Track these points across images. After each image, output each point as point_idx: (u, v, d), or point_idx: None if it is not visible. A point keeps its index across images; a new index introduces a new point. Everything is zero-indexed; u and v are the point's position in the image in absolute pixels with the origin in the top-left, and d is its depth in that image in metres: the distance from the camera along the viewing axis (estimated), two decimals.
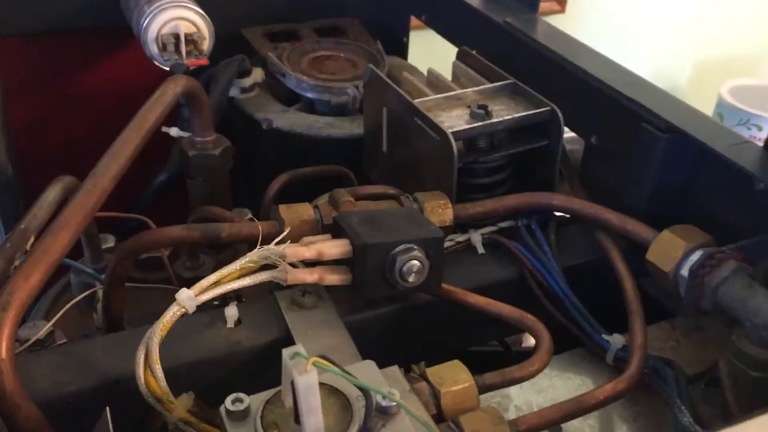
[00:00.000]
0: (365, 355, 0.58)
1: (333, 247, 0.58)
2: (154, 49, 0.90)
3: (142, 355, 0.53)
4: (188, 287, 0.75)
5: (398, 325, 0.65)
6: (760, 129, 1.92)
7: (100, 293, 0.71)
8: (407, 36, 1.18)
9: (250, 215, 0.90)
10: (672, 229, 0.62)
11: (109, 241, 0.84)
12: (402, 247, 0.58)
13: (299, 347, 0.42)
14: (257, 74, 1.01)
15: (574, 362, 0.64)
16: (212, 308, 0.62)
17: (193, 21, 0.91)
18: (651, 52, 2.12)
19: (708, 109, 1.99)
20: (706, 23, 2.12)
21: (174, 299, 0.77)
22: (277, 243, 0.58)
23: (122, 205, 0.83)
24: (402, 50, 1.18)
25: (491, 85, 0.80)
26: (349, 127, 0.95)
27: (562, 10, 1.88)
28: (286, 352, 0.42)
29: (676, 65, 2.18)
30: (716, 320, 0.59)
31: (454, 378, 0.52)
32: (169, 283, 0.78)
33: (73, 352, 0.58)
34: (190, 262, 0.76)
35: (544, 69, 0.84)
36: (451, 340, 0.70)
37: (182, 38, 0.90)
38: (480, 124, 0.73)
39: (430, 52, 1.21)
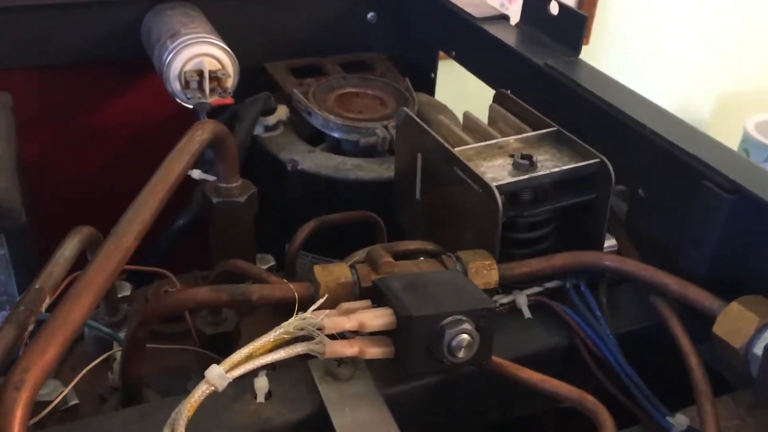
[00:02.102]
0: (403, 429, 0.54)
1: (375, 318, 0.53)
2: (176, 86, 0.86)
3: None
4: (210, 345, 0.72)
5: (439, 397, 0.60)
6: None
7: (118, 354, 0.67)
8: (435, 72, 1.13)
9: (273, 262, 0.86)
10: (741, 301, 0.57)
11: (126, 290, 0.79)
12: (450, 319, 0.53)
13: None
14: (281, 112, 0.97)
15: None
16: None
17: (218, 57, 0.87)
18: (675, 85, 2.08)
19: (733, 144, 1.94)
20: (731, 55, 2.08)
21: (192, 352, 0.73)
22: (314, 310, 0.54)
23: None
24: (429, 86, 1.13)
25: (534, 132, 0.76)
26: (378, 170, 0.91)
27: (586, 42, 1.85)
28: None
29: (701, 98, 2.14)
30: None
31: None
32: (189, 335, 0.74)
33: (90, 430, 0.53)
34: (212, 317, 0.71)
35: (587, 115, 0.80)
36: (495, 412, 0.65)
37: (206, 75, 0.86)
38: (526, 177, 0.69)
39: (453, 83, 1.17)
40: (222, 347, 0.71)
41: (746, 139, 1.93)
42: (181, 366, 0.73)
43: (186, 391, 0.65)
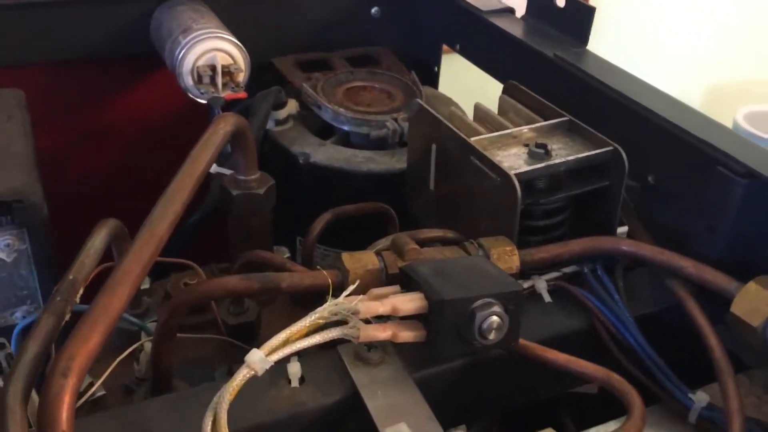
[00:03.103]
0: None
1: (407, 302, 0.55)
2: (189, 81, 0.87)
3: (210, 422, 0.49)
4: (232, 334, 0.73)
5: (467, 380, 0.61)
6: None
7: (145, 344, 0.68)
8: (439, 65, 1.15)
9: (288, 254, 0.87)
10: (758, 281, 0.59)
11: (145, 282, 0.80)
12: (480, 302, 0.55)
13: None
14: (291, 106, 0.98)
15: (654, 421, 0.60)
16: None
17: (229, 52, 0.88)
18: (665, 77, 2.10)
19: None
20: (721, 48, 2.11)
21: (212, 342, 0.74)
22: (346, 296, 0.55)
23: None
24: (433, 80, 1.15)
25: (547, 122, 0.77)
26: (389, 162, 0.92)
27: None
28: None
29: (691, 90, 2.17)
30: None
31: None
32: (212, 325, 0.75)
33: (126, 418, 0.54)
34: (234, 307, 0.72)
35: (597, 104, 0.81)
36: (520, 395, 0.66)
37: (219, 70, 0.86)
38: (542, 165, 0.70)
39: (453, 77, 1.19)
40: (244, 337, 0.72)
41: (736, 130, 1.96)
42: (204, 356, 0.74)
43: (213, 380, 0.67)
